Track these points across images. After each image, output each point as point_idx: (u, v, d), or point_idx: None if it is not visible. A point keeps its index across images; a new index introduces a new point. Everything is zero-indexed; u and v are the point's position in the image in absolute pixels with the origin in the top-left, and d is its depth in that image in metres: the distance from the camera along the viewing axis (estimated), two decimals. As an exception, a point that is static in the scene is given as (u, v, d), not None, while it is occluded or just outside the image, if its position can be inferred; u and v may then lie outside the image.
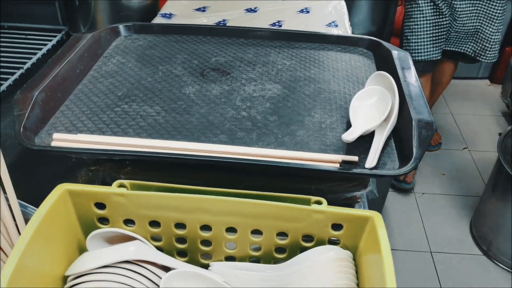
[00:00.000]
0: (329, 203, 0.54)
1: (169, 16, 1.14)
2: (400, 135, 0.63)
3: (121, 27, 0.90)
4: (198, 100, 0.70)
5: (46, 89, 0.68)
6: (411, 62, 0.75)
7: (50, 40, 1.13)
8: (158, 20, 1.15)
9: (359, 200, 0.66)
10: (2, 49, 1.06)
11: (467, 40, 1.74)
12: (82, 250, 0.58)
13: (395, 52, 0.79)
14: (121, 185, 0.56)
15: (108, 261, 0.54)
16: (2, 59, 1.01)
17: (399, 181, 1.93)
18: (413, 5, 1.67)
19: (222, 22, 1.07)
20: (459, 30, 1.70)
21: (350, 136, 0.57)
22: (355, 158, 0.58)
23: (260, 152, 0.59)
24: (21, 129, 0.61)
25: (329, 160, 0.57)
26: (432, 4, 1.62)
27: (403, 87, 0.68)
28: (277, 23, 1.04)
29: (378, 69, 0.81)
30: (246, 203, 0.55)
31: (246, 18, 1.07)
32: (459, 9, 1.63)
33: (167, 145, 0.60)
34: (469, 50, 1.75)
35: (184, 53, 0.84)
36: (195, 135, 0.63)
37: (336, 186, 0.62)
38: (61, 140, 0.60)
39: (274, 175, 0.62)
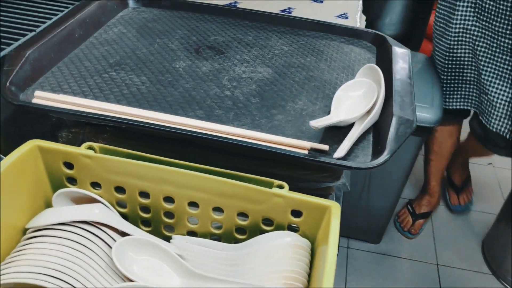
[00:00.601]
0: (301, 192, 0.53)
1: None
2: (379, 131, 0.61)
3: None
4: (186, 75, 0.70)
5: (40, 48, 0.70)
6: (409, 60, 0.73)
7: (68, 7, 1.15)
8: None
9: (331, 192, 0.64)
10: (19, 11, 1.09)
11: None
12: (49, 206, 0.60)
13: (396, 48, 0.76)
14: (90, 148, 0.57)
15: (67, 219, 0.55)
16: (18, 21, 1.04)
17: (404, 230, 1.75)
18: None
19: (233, 4, 1.07)
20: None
21: (317, 123, 0.56)
22: (325, 147, 0.57)
23: (232, 131, 0.58)
24: (7, 84, 0.63)
25: (298, 146, 0.56)
26: None
27: (394, 83, 0.66)
28: (287, 10, 1.03)
29: (378, 64, 0.78)
30: (208, 179, 0.55)
31: (257, 2, 1.06)
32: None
33: (143, 114, 0.60)
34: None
35: (185, 29, 0.84)
36: (173, 108, 0.63)
37: (307, 175, 0.61)
38: (42, 98, 0.62)
39: (246, 156, 0.62)
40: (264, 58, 0.76)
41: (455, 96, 1.36)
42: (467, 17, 1.22)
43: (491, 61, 1.21)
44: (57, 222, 0.54)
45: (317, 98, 0.68)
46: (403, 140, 0.56)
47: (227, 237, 0.60)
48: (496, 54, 1.19)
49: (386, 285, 1.54)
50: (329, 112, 0.64)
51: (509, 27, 1.13)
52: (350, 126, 0.62)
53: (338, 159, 0.55)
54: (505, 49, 1.17)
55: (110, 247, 0.55)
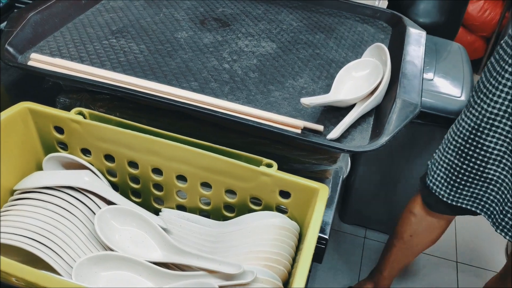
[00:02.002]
0: (297, 174, 0.51)
1: None
2: (380, 114, 0.58)
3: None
4: (186, 46, 0.68)
5: (44, 12, 0.69)
6: (423, 42, 0.69)
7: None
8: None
9: (328, 176, 0.62)
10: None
11: None
12: (41, 170, 0.60)
13: (411, 29, 0.72)
14: (79, 113, 0.56)
15: (54, 183, 0.54)
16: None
17: None
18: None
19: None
20: None
21: (309, 100, 0.53)
22: (319, 127, 0.54)
23: (223, 105, 0.56)
24: (6, 45, 0.62)
25: (291, 125, 0.54)
26: None
27: (402, 64, 0.63)
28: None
29: (391, 46, 0.75)
30: (195, 152, 0.53)
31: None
32: None
33: (136, 83, 0.59)
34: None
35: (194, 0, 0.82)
36: (168, 78, 0.61)
37: (302, 156, 0.59)
38: (39, 61, 0.61)
39: (241, 133, 0.60)
40: (271, 33, 0.74)
41: (464, 192, 0.96)
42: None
43: None
44: (44, 185, 0.54)
45: (320, 77, 0.65)
46: (403, 124, 0.53)
47: (216, 214, 0.59)
48: None
49: (400, 276, 1.51)
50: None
51: None
52: (351, 108, 0.59)
53: (331, 140, 0.52)
54: None
55: (94, 214, 0.54)
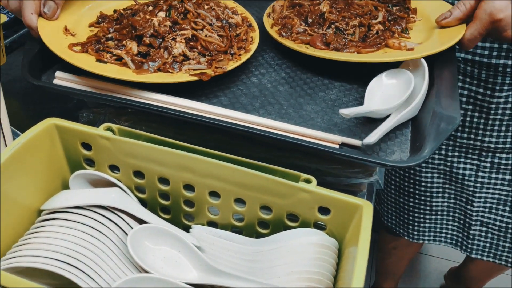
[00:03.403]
0: (330, 188, 0.50)
1: None
2: (418, 126, 0.57)
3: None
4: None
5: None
6: (454, 51, 0.67)
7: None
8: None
9: (363, 189, 0.60)
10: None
11: None
12: (66, 188, 0.58)
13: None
14: (108, 129, 0.55)
15: (82, 202, 0.53)
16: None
17: None
18: None
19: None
20: None
21: (348, 110, 0.52)
22: (357, 142, 0.53)
23: (259, 121, 0.55)
24: (28, 64, 0.60)
25: (328, 140, 0.52)
26: None
27: (436, 74, 0.61)
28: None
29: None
30: (230, 168, 0.51)
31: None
32: None
33: (164, 99, 0.57)
34: None
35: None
36: (196, 94, 0.59)
37: (337, 169, 0.57)
38: (64, 79, 0.59)
39: (273, 146, 0.58)
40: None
41: (421, 228, 0.94)
42: None
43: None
44: (72, 205, 0.52)
45: (350, 89, 0.63)
46: (444, 138, 0.52)
47: (249, 231, 0.57)
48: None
49: (411, 281, 1.49)
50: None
51: None
52: (385, 119, 0.58)
53: (367, 145, 0.51)
54: None
55: (127, 234, 0.53)
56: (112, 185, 0.56)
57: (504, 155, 0.79)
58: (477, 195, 0.83)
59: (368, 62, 0.62)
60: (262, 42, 0.68)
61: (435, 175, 0.86)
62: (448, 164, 0.82)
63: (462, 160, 0.82)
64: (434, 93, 0.58)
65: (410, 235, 0.96)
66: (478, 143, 0.79)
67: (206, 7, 0.61)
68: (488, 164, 0.80)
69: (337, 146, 0.52)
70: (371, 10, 0.68)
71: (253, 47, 0.63)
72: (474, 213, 0.85)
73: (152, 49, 0.56)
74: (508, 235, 0.86)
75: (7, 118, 0.57)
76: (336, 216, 0.51)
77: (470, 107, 0.77)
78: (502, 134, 0.76)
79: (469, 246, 0.91)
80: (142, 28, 0.55)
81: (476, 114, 0.77)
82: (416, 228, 0.94)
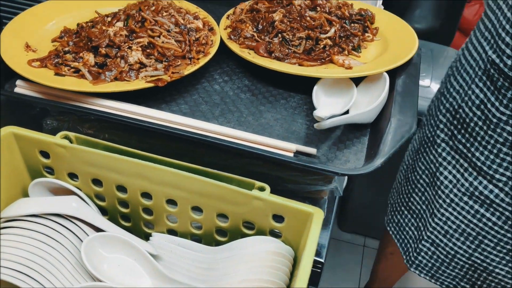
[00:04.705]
0: (291, 195, 0.50)
1: None
2: (375, 134, 0.57)
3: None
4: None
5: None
6: (419, 58, 0.68)
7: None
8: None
9: (324, 196, 0.61)
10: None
11: None
12: (27, 195, 0.58)
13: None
14: (66, 137, 0.55)
15: (40, 211, 0.53)
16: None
17: None
18: None
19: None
20: None
21: (323, 112, 0.52)
22: (312, 150, 0.53)
23: (216, 129, 0.55)
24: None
25: (283, 148, 0.52)
26: None
27: (396, 81, 0.62)
28: None
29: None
30: (185, 177, 0.51)
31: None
32: None
33: (125, 108, 0.58)
34: None
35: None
36: (157, 102, 0.60)
37: (296, 176, 0.57)
38: (25, 87, 0.60)
39: (233, 153, 0.59)
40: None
41: (393, 218, 0.91)
42: None
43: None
44: (29, 213, 0.52)
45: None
46: (399, 145, 0.52)
47: (208, 239, 0.57)
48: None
49: (401, 285, 1.49)
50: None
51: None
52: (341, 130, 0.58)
53: (319, 117, 0.51)
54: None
55: (81, 241, 0.53)
56: (72, 193, 0.57)
57: (484, 181, 0.68)
58: (441, 211, 0.76)
59: (300, 75, 0.62)
60: (229, 50, 0.68)
61: (426, 171, 0.79)
62: (437, 165, 0.76)
63: (450, 167, 0.73)
64: (393, 101, 0.58)
65: (387, 218, 0.92)
66: (469, 155, 0.70)
67: (165, 14, 0.61)
68: (466, 185, 0.71)
69: (292, 154, 0.52)
70: (322, 24, 0.68)
71: (213, 50, 0.63)
72: (430, 229, 0.79)
73: (109, 59, 0.56)
74: (453, 263, 0.79)
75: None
76: (290, 223, 0.51)
77: (479, 113, 0.65)
78: (491, 156, 0.66)
79: (412, 259, 0.85)
80: (98, 39, 0.56)
81: (480, 123, 0.65)
82: (391, 213, 0.91)
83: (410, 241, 0.86)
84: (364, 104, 0.61)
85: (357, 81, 0.64)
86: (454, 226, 0.74)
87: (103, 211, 0.59)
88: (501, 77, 0.59)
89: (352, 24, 0.72)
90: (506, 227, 0.70)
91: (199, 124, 0.55)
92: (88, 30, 0.59)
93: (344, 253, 1.56)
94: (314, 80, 0.65)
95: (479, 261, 0.75)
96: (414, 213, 0.84)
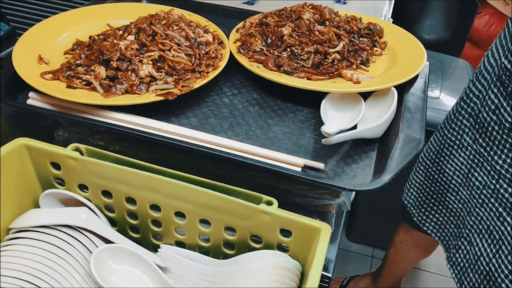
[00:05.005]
0: (299, 209, 0.50)
1: (252, 2, 1.06)
2: (383, 149, 0.57)
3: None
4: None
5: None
6: (426, 71, 0.68)
7: (88, 0, 1.15)
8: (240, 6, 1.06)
9: (331, 210, 0.61)
10: (40, 2, 1.09)
11: None
12: (38, 206, 0.59)
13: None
14: (77, 149, 0.55)
15: (50, 222, 0.53)
16: (37, 7, 1.04)
17: None
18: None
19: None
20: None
21: (331, 128, 0.52)
22: (320, 165, 0.53)
23: (224, 143, 0.55)
24: (4, 84, 0.62)
25: (291, 163, 0.52)
26: None
27: (404, 97, 0.62)
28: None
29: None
30: (193, 190, 0.52)
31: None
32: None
33: (135, 120, 0.58)
34: None
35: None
36: (167, 115, 0.60)
37: (304, 190, 0.58)
38: (37, 99, 0.61)
39: (242, 166, 0.59)
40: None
41: (430, 216, 0.93)
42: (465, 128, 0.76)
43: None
44: (40, 224, 0.53)
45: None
46: (407, 161, 0.52)
47: (216, 251, 0.57)
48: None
49: (409, 286, 1.48)
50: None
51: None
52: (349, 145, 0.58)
53: (326, 133, 0.51)
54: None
55: (91, 252, 0.53)
56: (82, 204, 0.57)
57: (504, 185, 0.68)
58: (476, 210, 0.76)
59: (308, 89, 0.62)
60: (238, 64, 0.69)
61: (457, 172, 0.80)
62: (468, 167, 0.77)
63: (478, 169, 0.74)
64: (401, 116, 0.58)
65: (419, 218, 0.94)
66: (489, 158, 0.70)
67: (175, 27, 0.62)
68: (492, 187, 0.71)
69: (299, 169, 0.53)
70: (331, 38, 0.69)
71: (222, 63, 0.64)
72: (468, 227, 0.80)
73: (120, 72, 0.57)
74: (476, 266, 0.79)
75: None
76: (298, 238, 0.51)
77: (495, 117, 0.67)
78: (508, 160, 0.67)
79: (451, 255, 0.86)
80: (109, 52, 0.57)
81: (496, 128, 0.67)
82: (427, 213, 0.92)
83: (451, 238, 0.88)
84: (372, 119, 0.61)
85: (365, 95, 0.65)
86: (485, 226, 0.75)
87: (112, 222, 0.59)
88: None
89: (361, 38, 0.72)
90: None
91: (207, 138, 0.56)
92: (100, 43, 0.60)
93: (353, 264, 1.56)
94: (322, 94, 0.65)
95: (493, 269, 0.76)
96: (452, 211, 0.85)
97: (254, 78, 0.68)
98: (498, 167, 0.68)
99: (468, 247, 0.81)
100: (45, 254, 0.51)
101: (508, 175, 0.67)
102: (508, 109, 0.63)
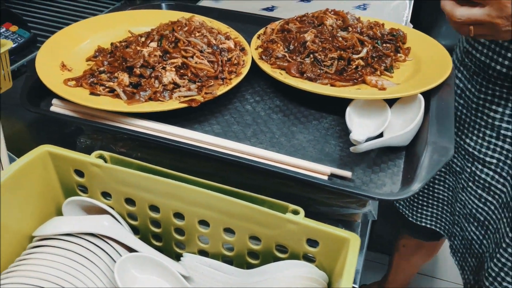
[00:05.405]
0: (323, 218, 0.49)
1: (271, 9, 1.08)
2: (411, 157, 0.56)
3: (163, 4, 0.90)
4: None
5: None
6: (453, 78, 0.67)
7: (108, 7, 1.16)
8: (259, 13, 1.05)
9: (357, 219, 0.59)
10: (60, 9, 1.10)
11: None
12: (61, 213, 0.58)
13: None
14: (100, 156, 0.55)
15: (73, 230, 0.53)
16: (57, 14, 1.05)
17: None
18: None
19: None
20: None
21: (360, 135, 0.51)
22: (347, 174, 0.52)
23: (249, 150, 0.55)
24: (27, 91, 0.62)
25: (317, 171, 0.51)
26: None
27: (431, 104, 0.60)
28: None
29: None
30: (218, 198, 0.51)
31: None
32: None
33: (158, 127, 0.58)
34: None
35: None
36: (190, 121, 0.60)
37: (329, 198, 0.56)
38: (60, 106, 0.60)
39: (265, 174, 0.58)
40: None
41: (424, 211, 0.94)
42: None
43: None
44: (63, 232, 0.53)
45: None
46: (436, 170, 0.51)
47: (239, 260, 0.56)
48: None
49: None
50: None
51: None
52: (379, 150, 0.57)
53: (355, 140, 0.51)
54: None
55: (114, 261, 0.53)
56: (105, 212, 0.57)
57: (479, 166, 0.73)
58: (459, 196, 0.80)
59: (332, 96, 0.61)
60: (260, 70, 0.68)
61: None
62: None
63: (456, 155, 0.79)
64: (428, 124, 0.57)
65: (414, 217, 0.97)
66: (462, 142, 0.76)
67: (197, 34, 0.62)
68: (468, 171, 0.75)
69: (326, 177, 0.52)
70: (354, 44, 0.68)
71: (245, 70, 0.63)
72: (457, 214, 0.84)
73: (143, 79, 0.57)
74: (470, 250, 0.82)
75: (4, 144, 0.58)
76: (325, 248, 0.50)
77: (461, 101, 0.75)
78: (479, 140, 0.72)
79: (450, 243, 0.89)
80: (133, 59, 0.56)
81: (464, 111, 0.75)
82: (419, 210, 0.95)
83: (450, 226, 0.91)
84: (398, 126, 0.60)
85: (390, 102, 0.63)
86: (468, 211, 0.79)
87: (135, 230, 0.59)
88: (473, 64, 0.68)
89: (384, 44, 0.71)
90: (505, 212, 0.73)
91: (232, 145, 0.55)
92: (123, 50, 0.60)
93: (369, 272, 1.54)
94: (345, 101, 0.64)
95: (485, 250, 0.79)
96: (444, 201, 0.89)
97: (277, 85, 0.68)
98: (471, 149, 0.74)
99: (461, 233, 0.85)
100: (68, 262, 0.51)
101: (481, 156, 0.72)
102: (473, 90, 0.69)
